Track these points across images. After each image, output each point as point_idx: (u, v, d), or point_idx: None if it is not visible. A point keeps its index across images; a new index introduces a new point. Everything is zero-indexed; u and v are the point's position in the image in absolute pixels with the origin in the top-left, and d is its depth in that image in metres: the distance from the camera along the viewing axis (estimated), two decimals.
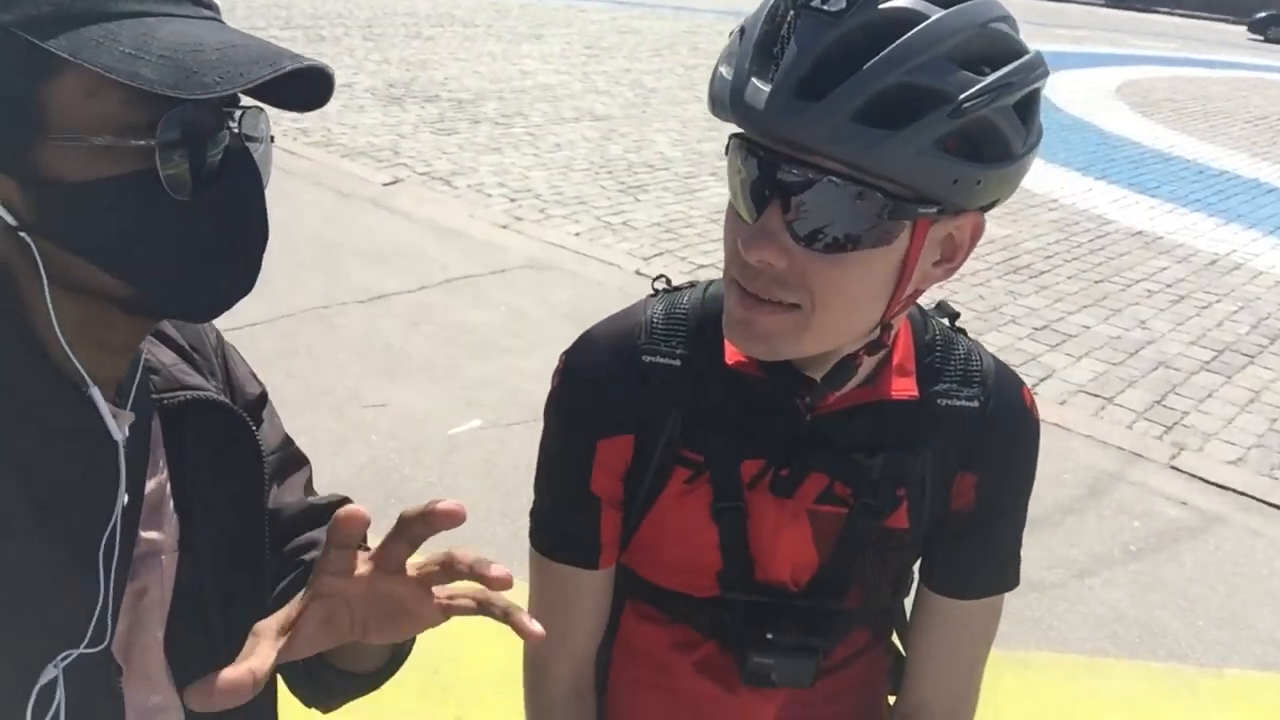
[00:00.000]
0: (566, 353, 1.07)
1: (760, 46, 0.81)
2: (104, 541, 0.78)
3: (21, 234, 0.70)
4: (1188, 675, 3.06)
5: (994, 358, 1.08)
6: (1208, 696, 2.99)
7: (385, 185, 7.07)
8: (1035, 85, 0.83)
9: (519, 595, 1.10)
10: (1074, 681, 2.98)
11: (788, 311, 0.86)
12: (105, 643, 0.79)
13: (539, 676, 1.15)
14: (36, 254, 0.70)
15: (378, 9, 15.87)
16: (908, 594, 1.16)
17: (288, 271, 5.22)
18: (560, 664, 1.13)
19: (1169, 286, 6.68)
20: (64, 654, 0.76)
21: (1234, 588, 3.50)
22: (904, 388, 1.01)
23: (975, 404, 1.03)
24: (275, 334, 4.52)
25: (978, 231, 0.90)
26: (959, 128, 0.79)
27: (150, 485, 0.84)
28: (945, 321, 1.09)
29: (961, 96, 0.78)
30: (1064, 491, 3.98)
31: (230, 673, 0.67)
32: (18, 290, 0.74)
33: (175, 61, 0.66)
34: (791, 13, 0.81)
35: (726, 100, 0.82)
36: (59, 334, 0.73)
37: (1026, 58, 0.82)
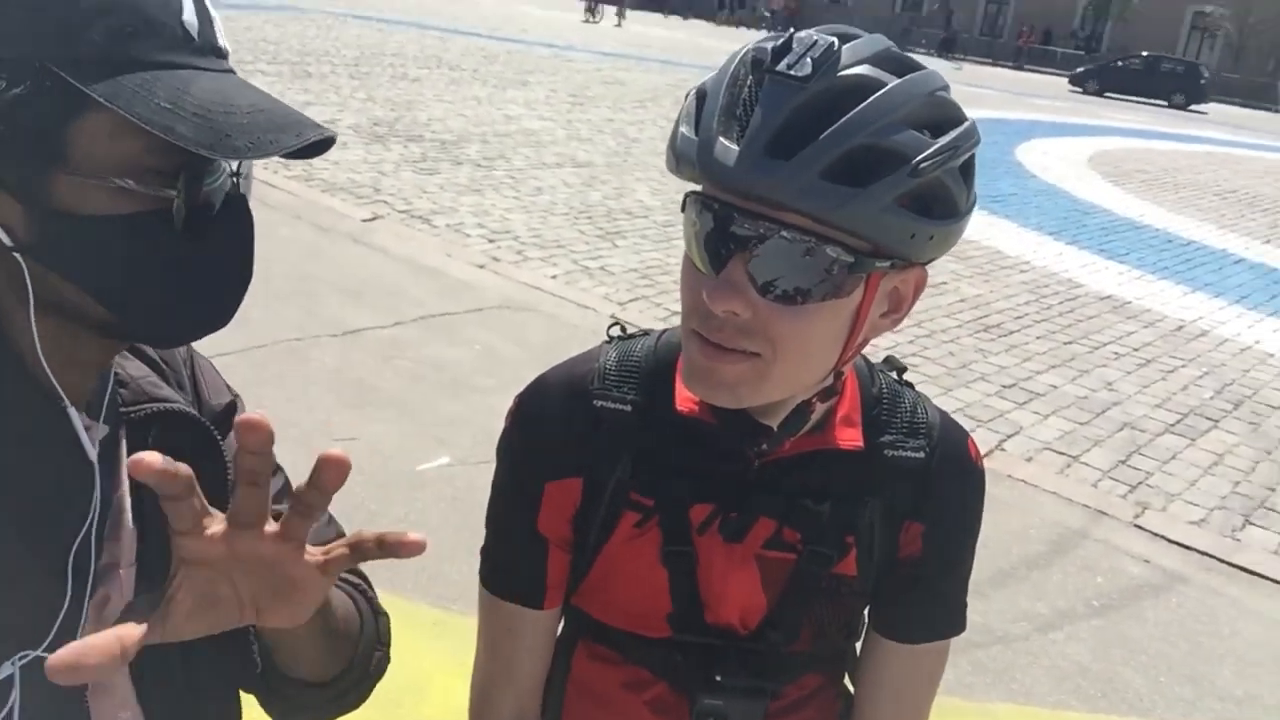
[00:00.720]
0: (520, 396, 1.09)
1: (725, 110, 0.85)
2: (74, 550, 0.79)
3: (16, 254, 0.71)
4: None
5: (940, 410, 1.10)
6: None
7: (365, 221, 7.09)
8: (974, 150, 0.89)
9: (470, 632, 1.11)
10: None
11: (749, 360, 0.88)
12: None
13: (483, 711, 1.15)
14: (27, 275, 0.72)
15: (365, 48, 16.01)
16: (859, 638, 1.17)
17: (263, 303, 5.20)
18: (505, 700, 1.14)
19: (1136, 350, 6.78)
20: (21, 654, 0.76)
21: (1196, 645, 3.52)
22: (850, 438, 1.04)
23: (921, 455, 1.05)
24: (247, 364, 4.49)
25: (921, 284, 0.94)
26: (915, 187, 0.84)
27: (118, 497, 0.85)
28: (893, 375, 1.12)
29: (918, 158, 0.83)
30: (1029, 547, 4.00)
31: (96, 638, 0.62)
32: None
33: (209, 122, 0.69)
34: (752, 79, 0.86)
35: (694, 158, 0.85)
36: (40, 353, 0.74)
37: (966, 124, 0.88)
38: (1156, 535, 4.27)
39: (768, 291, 0.85)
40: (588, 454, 1.03)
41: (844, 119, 0.82)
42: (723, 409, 0.95)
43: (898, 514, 1.06)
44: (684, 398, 1.02)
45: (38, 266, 0.72)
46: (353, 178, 8.18)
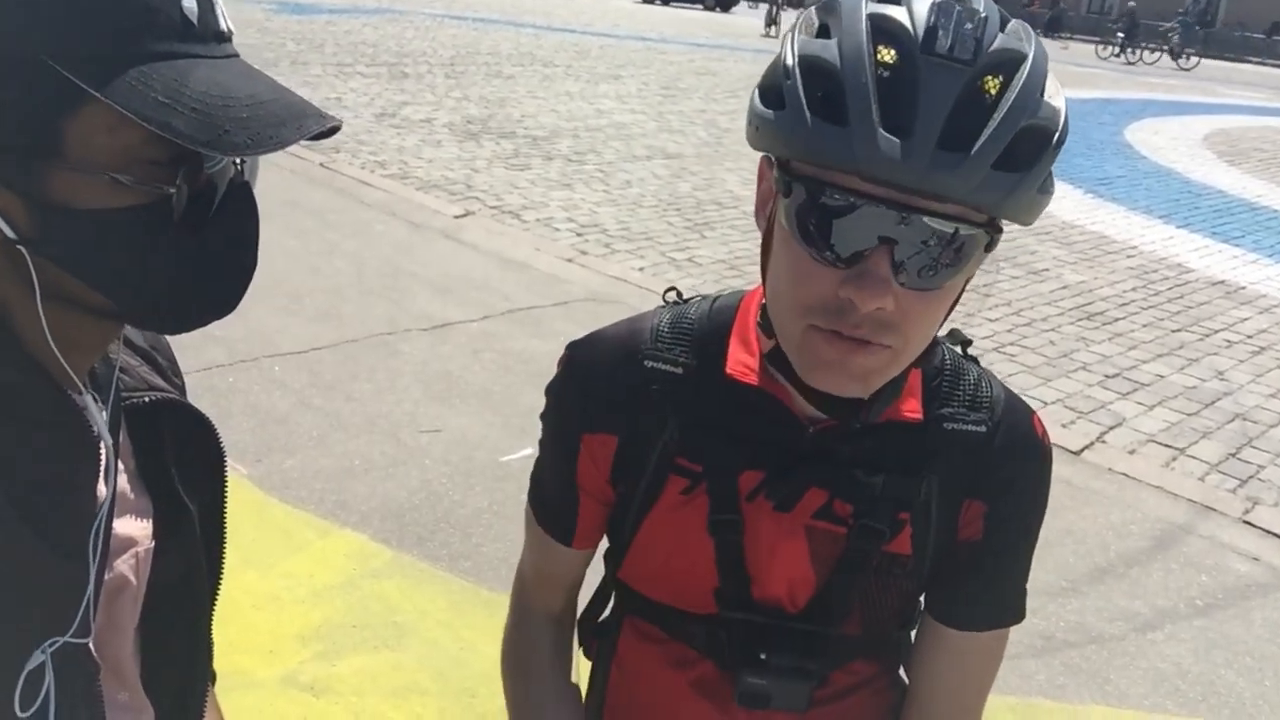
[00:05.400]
0: (572, 346, 1.09)
1: (881, 98, 0.78)
2: (93, 532, 0.80)
3: (19, 247, 0.71)
4: None
5: (1005, 386, 1.06)
6: None
7: (456, 218, 7.19)
8: None
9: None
10: None
11: (885, 351, 0.86)
12: (90, 635, 0.81)
13: (519, 597, 1.23)
14: (32, 267, 0.72)
15: (461, 48, 16.25)
16: (914, 627, 1.13)
17: (356, 298, 5.33)
18: (538, 595, 1.21)
19: (1249, 338, 6.47)
20: (51, 640, 0.77)
21: None
22: (910, 409, 1.00)
23: (983, 429, 1.01)
24: (339, 358, 4.60)
25: None
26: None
27: (120, 481, 0.86)
28: (958, 349, 1.07)
29: (1058, 131, 0.81)
30: (1129, 543, 3.84)
31: None
32: None
33: (207, 116, 0.67)
34: (896, 59, 0.79)
35: (848, 151, 0.78)
36: (50, 341, 0.74)
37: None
38: (1267, 532, 4.06)
39: (908, 282, 0.82)
40: (631, 413, 1.03)
41: (1009, 102, 0.79)
42: (806, 385, 0.91)
43: (957, 492, 1.02)
44: (735, 362, 1.00)
45: (39, 258, 0.72)
46: (446, 175, 8.31)
